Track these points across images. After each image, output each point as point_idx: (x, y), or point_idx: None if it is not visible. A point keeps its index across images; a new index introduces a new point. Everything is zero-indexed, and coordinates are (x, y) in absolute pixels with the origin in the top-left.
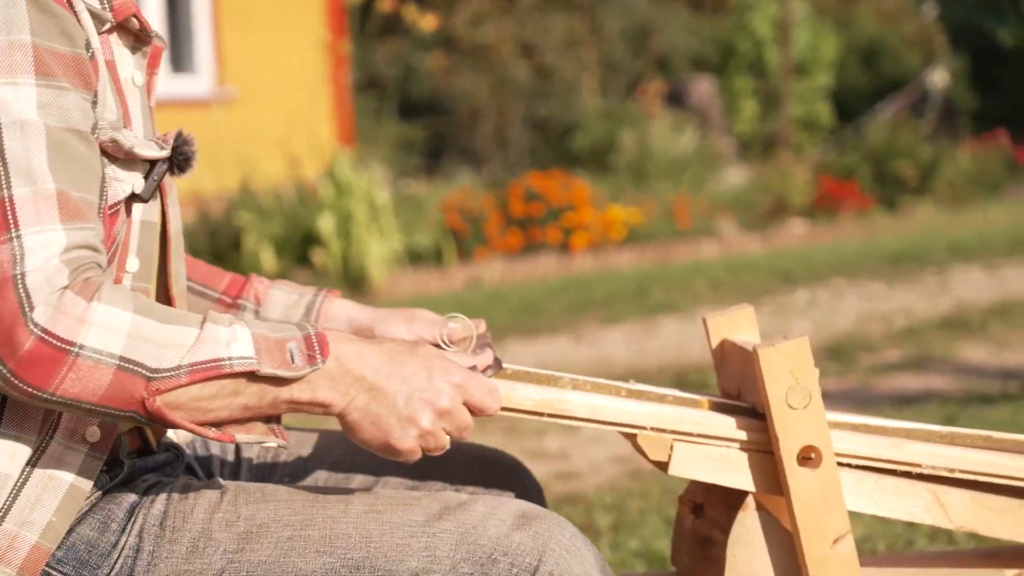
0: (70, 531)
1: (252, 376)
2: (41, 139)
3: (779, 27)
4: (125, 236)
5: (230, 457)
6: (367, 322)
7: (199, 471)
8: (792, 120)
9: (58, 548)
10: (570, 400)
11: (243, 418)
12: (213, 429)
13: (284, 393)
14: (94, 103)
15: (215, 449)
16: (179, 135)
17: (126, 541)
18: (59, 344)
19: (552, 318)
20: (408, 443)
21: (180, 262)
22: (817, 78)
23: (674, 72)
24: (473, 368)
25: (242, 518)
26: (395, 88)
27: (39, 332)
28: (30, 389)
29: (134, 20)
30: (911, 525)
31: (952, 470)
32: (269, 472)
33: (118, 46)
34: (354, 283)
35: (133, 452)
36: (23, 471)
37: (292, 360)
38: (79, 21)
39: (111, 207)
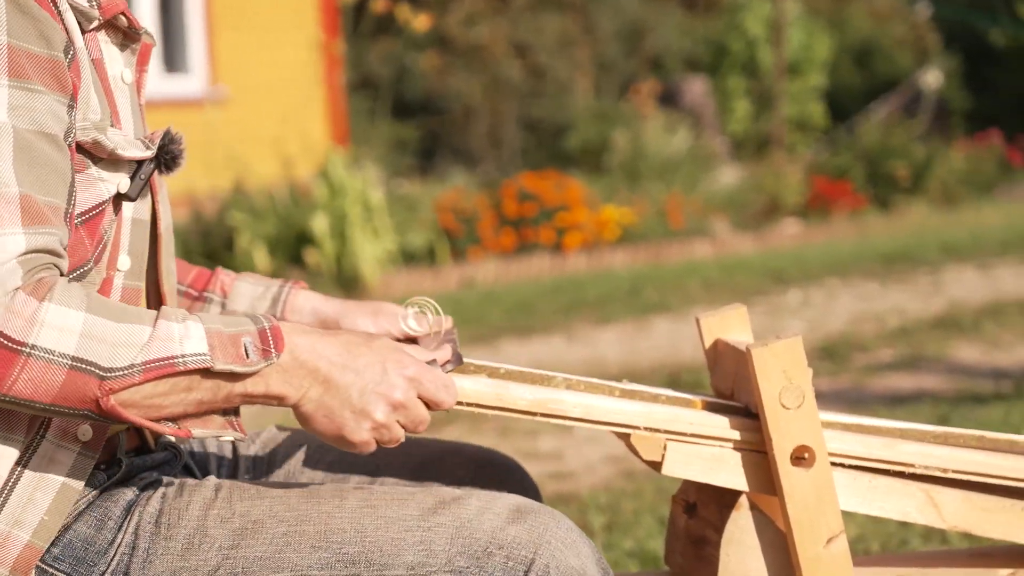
0: (67, 528)
1: (206, 372)
2: (7, 141)
3: (772, 27)
4: (115, 234)
5: (227, 457)
6: (332, 315)
7: (196, 470)
8: (785, 120)
9: (55, 545)
10: (564, 400)
11: (198, 412)
12: (169, 424)
13: (238, 387)
14: (70, 106)
15: (212, 448)
16: (166, 134)
17: (122, 539)
18: (10, 345)
19: (545, 318)
20: (362, 435)
21: (170, 259)
22: (810, 78)
23: (667, 72)
24: (431, 362)
25: (237, 514)
26: (389, 88)
27: None
28: None
29: (122, 17)
30: (904, 525)
31: (945, 470)
32: (266, 471)
33: (106, 43)
34: (347, 283)
35: (131, 451)
36: (15, 470)
37: (247, 355)
38: (62, 21)
39: (96, 207)
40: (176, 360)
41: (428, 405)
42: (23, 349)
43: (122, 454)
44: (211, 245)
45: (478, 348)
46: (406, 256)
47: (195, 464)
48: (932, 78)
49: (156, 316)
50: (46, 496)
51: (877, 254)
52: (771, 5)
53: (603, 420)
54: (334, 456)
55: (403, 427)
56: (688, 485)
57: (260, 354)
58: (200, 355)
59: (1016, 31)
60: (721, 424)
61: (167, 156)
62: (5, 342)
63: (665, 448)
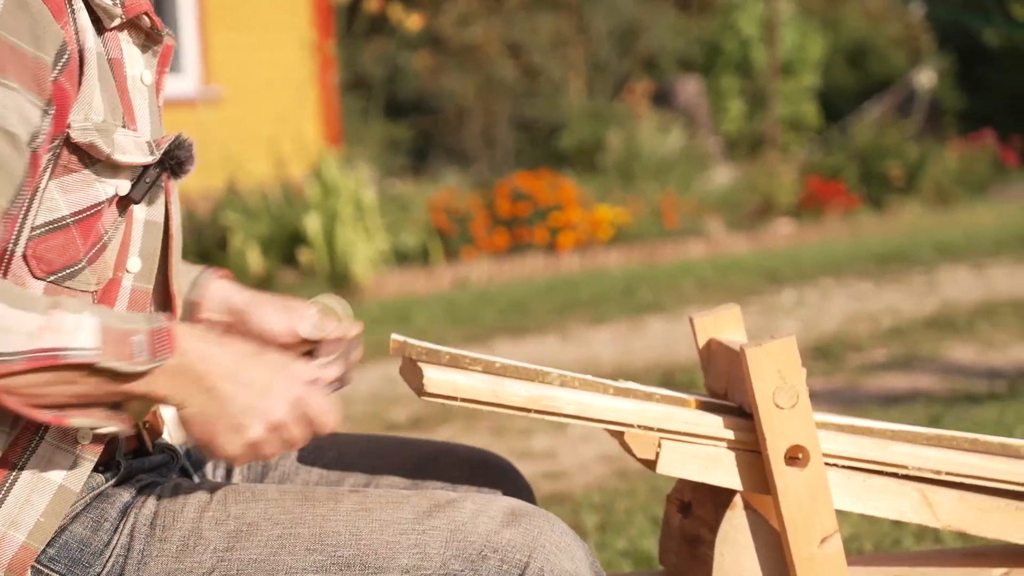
0: (63, 530)
1: (91, 369)
2: None
3: (765, 27)
4: (125, 236)
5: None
6: (241, 305)
7: (192, 472)
8: (779, 120)
9: (50, 546)
10: (558, 397)
11: (80, 404)
12: (49, 412)
13: (122, 385)
14: (45, 111)
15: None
16: (175, 139)
17: (118, 540)
18: None
19: (539, 318)
20: (232, 450)
21: (178, 259)
22: (803, 78)
23: (661, 72)
24: (319, 381)
25: (232, 517)
26: (382, 88)
27: None
28: None
29: (145, 18)
30: (898, 524)
31: (938, 472)
32: (262, 471)
33: (127, 44)
34: (340, 283)
35: (129, 453)
36: (12, 472)
37: (136, 353)
38: (73, 20)
39: (91, 207)
40: (62, 353)
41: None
42: None
43: (120, 456)
44: (204, 245)
45: (472, 348)
46: (399, 256)
47: (191, 465)
48: (926, 78)
49: (53, 305)
50: (43, 498)
51: (871, 254)
52: (764, 5)
53: (597, 418)
54: (330, 457)
55: (276, 447)
56: (683, 484)
57: (149, 355)
58: (88, 350)
59: (1009, 31)
60: (715, 423)
61: (172, 161)
62: None
63: (659, 447)
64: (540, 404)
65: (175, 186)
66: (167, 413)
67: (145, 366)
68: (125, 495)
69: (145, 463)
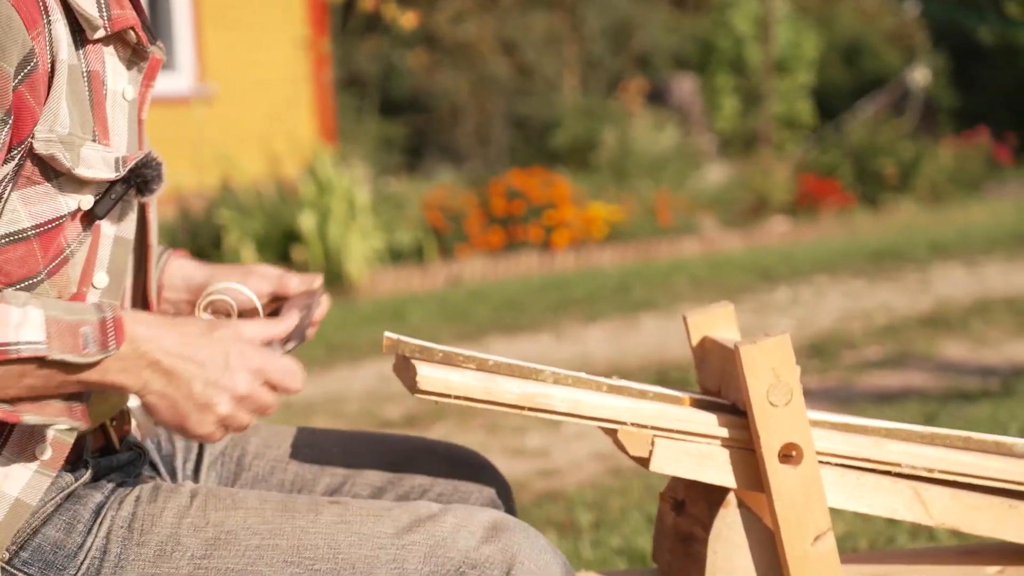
0: (35, 532)
1: (40, 362)
2: None
3: (760, 25)
4: (91, 252)
5: (193, 452)
6: (202, 280)
7: (161, 468)
8: (773, 118)
9: (23, 549)
10: (551, 394)
11: (32, 397)
12: (2, 406)
13: (74, 376)
14: (3, 121)
15: (179, 446)
16: (144, 157)
17: (92, 542)
18: None
19: (534, 316)
20: (205, 428)
21: (156, 269)
22: (798, 76)
23: (655, 70)
24: (272, 342)
25: (211, 524)
26: (376, 86)
27: None
28: None
29: (131, 33)
30: (892, 522)
31: (932, 470)
32: (235, 469)
33: (112, 57)
34: (335, 280)
35: (96, 451)
36: None
37: (84, 345)
38: (48, 30)
39: (52, 221)
40: (9, 347)
41: (275, 390)
42: None
43: (88, 455)
44: (199, 243)
45: (466, 346)
46: (393, 254)
47: (161, 461)
48: (920, 76)
49: None
50: None
51: (865, 252)
52: (759, 3)
53: (590, 415)
54: (306, 454)
55: (252, 413)
56: (676, 482)
57: (99, 345)
58: (35, 343)
59: (1003, 29)
60: (709, 421)
61: (139, 180)
62: None
63: (653, 444)
64: (533, 402)
65: (153, 201)
66: (135, 409)
67: (95, 357)
68: (97, 496)
69: (113, 461)
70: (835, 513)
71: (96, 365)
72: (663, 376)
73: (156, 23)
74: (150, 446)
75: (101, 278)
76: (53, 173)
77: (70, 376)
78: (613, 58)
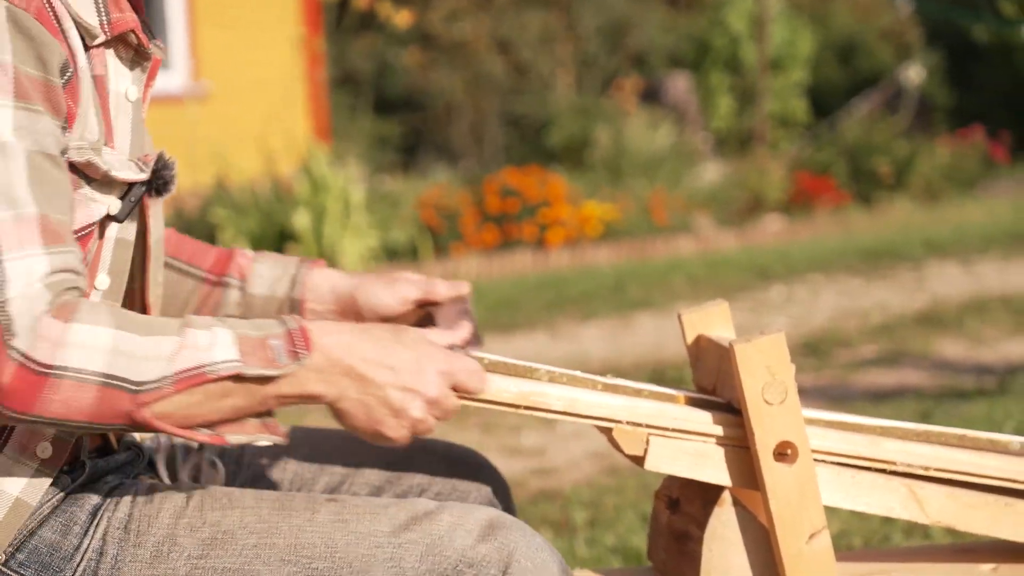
0: (32, 534)
1: (237, 379)
2: (21, 162)
3: (754, 23)
4: (96, 254)
5: (193, 452)
6: (349, 289)
7: (160, 468)
8: (768, 116)
9: (20, 551)
10: (547, 393)
11: (234, 418)
12: (204, 431)
13: (272, 390)
14: (64, 128)
15: (178, 445)
16: (159, 158)
17: (89, 544)
18: (39, 369)
19: (529, 314)
20: (400, 432)
21: (159, 270)
22: (793, 74)
23: (650, 68)
24: (455, 347)
25: (207, 524)
26: (371, 84)
27: (19, 358)
28: (15, 414)
29: (132, 35)
30: (887, 520)
31: (927, 468)
32: (236, 466)
33: (113, 59)
34: None
35: (93, 452)
36: None
37: (276, 357)
38: (65, 38)
39: (86, 227)
40: (206, 368)
41: (459, 392)
42: (52, 372)
43: (85, 456)
44: None
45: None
46: (388, 252)
47: (160, 461)
48: (915, 74)
49: (183, 325)
50: None
51: (860, 250)
52: (754, 1)
53: (586, 414)
54: (304, 453)
55: (436, 418)
56: (671, 481)
57: (289, 356)
58: (230, 361)
59: (998, 27)
60: (704, 419)
61: (160, 181)
62: (34, 367)
63: (648, 443)
64: (529, 400)
65: (157, 202)
66: None
67: (289, 368)
68: (94, 497)
69: (111, 462)
70: (830, 511)
71: (293, 377)
72: (658, 374)
73: (150, 22)
74: (148, 446)
75: (103, 280)
76: (86, 179)
77: (269, 391)
78: (608, 57)
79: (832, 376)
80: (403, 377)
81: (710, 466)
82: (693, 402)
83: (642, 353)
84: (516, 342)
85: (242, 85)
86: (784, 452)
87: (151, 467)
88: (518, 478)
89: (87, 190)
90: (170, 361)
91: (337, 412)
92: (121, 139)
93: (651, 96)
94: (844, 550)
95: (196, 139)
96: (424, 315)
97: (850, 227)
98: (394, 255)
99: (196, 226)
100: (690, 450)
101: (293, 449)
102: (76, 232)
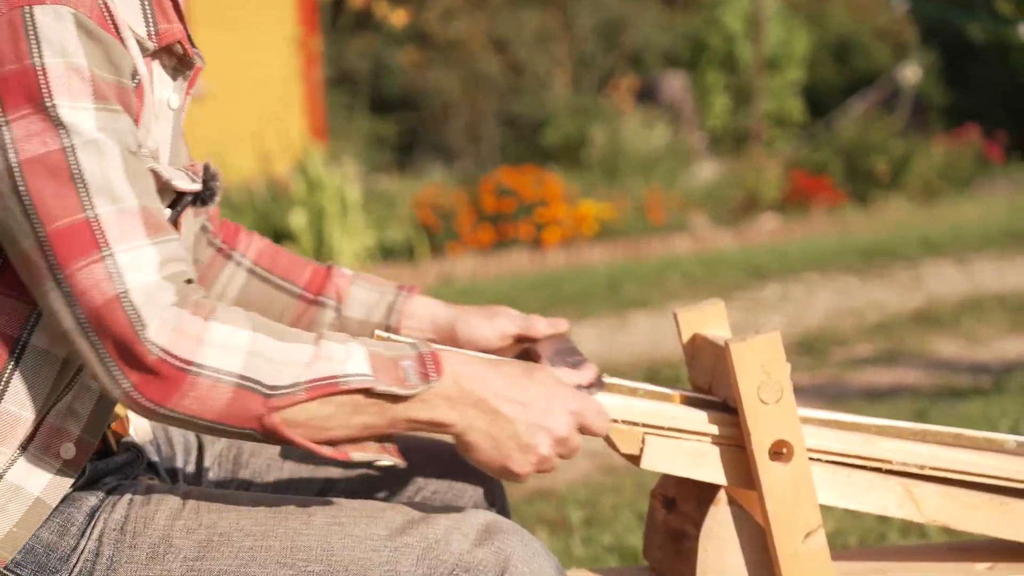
0: None
1: (368, 393)
2: (115, 157)
3: (750, 22)
4: None
5: (193, 452)
6: (449, 319)
7: (161, 469)
8: (764, 115)
9: (16, 551)
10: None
11: (359, 437)
12: (328, 447)
13: (402, 412)
14: (135, 131)
15: (178, 446)
16: (207, 169)
17: (85, 545)
18: (179, 364)
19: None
20: (525, 468)
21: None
22: (788, 73)
23: (646, 68)
24: (581, 387)
25: (203, 526)
26: (367, 84)
27: (159, 352)
28: (150, 405)
29: (179, 46)
30: (883, 519)
31: (922, 467)
32: (232, 468)
33: (158, 68)
34: None
35: (93, 454)
36: None
37: (407, 378)
38: (125, 47)
39: None
40: (339, 379)
41: (583, 433)
42: (191, 368)
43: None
44: None
45: None
46: (384, 252)
47: (160, 460)
48: (911, 73)
49: (318, 337)
50: (19, 508)
51: (856, 249)
52: (750, 1)
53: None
54: (302, 453)
55: (560, 456)
56: (667, 480)
57: (420, 377)
58: (362, 375)
59: (994, 26)
60: (700, 418)
61: (207, 192)
62: (174, 361)
63: (644, 442)
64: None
65: (191, 212)
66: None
67: (418, 388)
68: (92, 499)
69: (110, 464)
70: (826, 510)
71: (424, 401)
72: (654, 373)
73: None
74: (148, 448)
75: None
76: None
77: (400, 413)
78: (604, 56)
79: (828, 375)
80: (533, 414)
81: (706, 465)
82: (689, 401)
83: (638, 352)
84: None
85: (240, 85)
86: (780, 451)
87: (151, 468)
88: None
89: None
90: (305, 368)
91: (464, 444)
92: (163, 146)
93: (647, 95)
94: (840, 549)
95: (194, 139)
96: (522, 350)
97: (846, 226)
98: (390, 254)
99: None
100: (686, 449)
101: (290, 449)
102: None
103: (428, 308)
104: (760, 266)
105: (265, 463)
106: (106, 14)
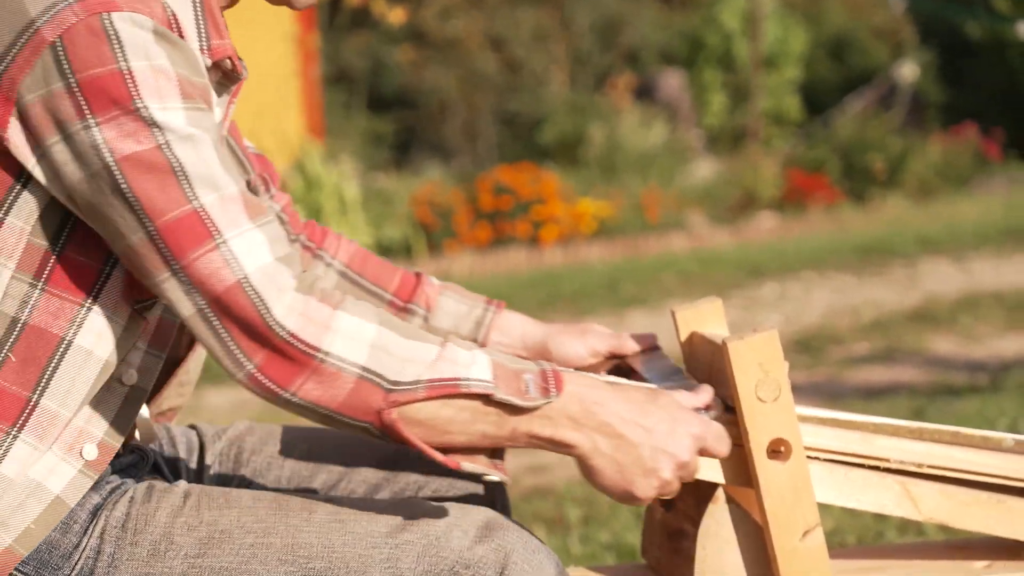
0: None
1: (488, 400)
2: (209, 147)
3: (748, 20)
4: None
5: (195, 451)
6: (540, 337)
7: (165, 469)
8: (761, 113)
9: None
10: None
11: (476, 447)
12: (440, 453)
13: (524, 425)
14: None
15: (181, 446)
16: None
17: (87, 543)
18: (305, 348)
19: (522, 312)
20: (649, 492)
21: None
22: (786, 71)
23: (643, 66)
24: (700, 410)
25: (204, 523)
26: (364, 82)
27: (286, 335)
28: (273, 387)
29: (228, 61)
30: (881, 517)
31: (920, 465)
32: (233, 466)
33: None
34: None
35: None
36: (15, 474)
37: (527, 390)
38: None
39: None
40: (460, 382)
41: (703, 455)
42: (317, 355)
43: None
44: None
45: None
46: (382, 249)
47: (163, 461)
48: (908, 71)
49: (445, 340)
50: (38, 505)
51: (853, 247)
52: None
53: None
54: (302, 451)
55: (679, 484)
56: None
57: (540, 391)
58: (483, 381)
59: (992, 24)
60: None
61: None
62: (299, 346)
63: None
64: None
65: None
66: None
67: (537, 402)
68: (95, 497)
69: (115, 464)
70: (823, 508)
71: (548, 417)
72: None
73: None
74: (152, 449)
75: None
76: None
77: (520, 424)
78: (601, 54)
79: (825, 373)
80: (657, 439)
81: (704, 463)
82: None
83: None
84: None
85: None
86: (777, 449)
87: (155, 470)
88: (512, 475)
89: None
90: (428, 367)
91: (587, 468)
92: None
93: (644, 93)
94: (837, 547)
95: None
96: (613, 366)
97: (843, 224)
98: (388, 252)
99: None
100: None
101: (292, 447)
102: None
103: (518, 324)
104: (758, 264)
105: (266, 461)
106: (175, 25)
